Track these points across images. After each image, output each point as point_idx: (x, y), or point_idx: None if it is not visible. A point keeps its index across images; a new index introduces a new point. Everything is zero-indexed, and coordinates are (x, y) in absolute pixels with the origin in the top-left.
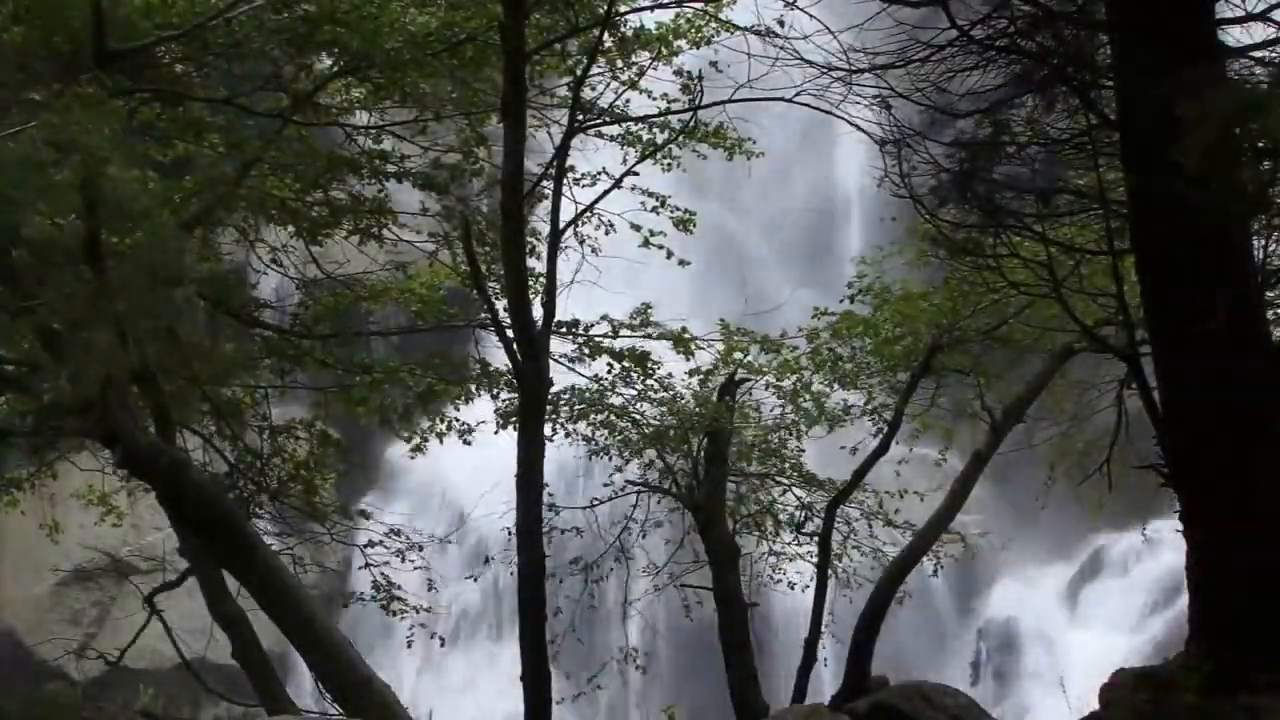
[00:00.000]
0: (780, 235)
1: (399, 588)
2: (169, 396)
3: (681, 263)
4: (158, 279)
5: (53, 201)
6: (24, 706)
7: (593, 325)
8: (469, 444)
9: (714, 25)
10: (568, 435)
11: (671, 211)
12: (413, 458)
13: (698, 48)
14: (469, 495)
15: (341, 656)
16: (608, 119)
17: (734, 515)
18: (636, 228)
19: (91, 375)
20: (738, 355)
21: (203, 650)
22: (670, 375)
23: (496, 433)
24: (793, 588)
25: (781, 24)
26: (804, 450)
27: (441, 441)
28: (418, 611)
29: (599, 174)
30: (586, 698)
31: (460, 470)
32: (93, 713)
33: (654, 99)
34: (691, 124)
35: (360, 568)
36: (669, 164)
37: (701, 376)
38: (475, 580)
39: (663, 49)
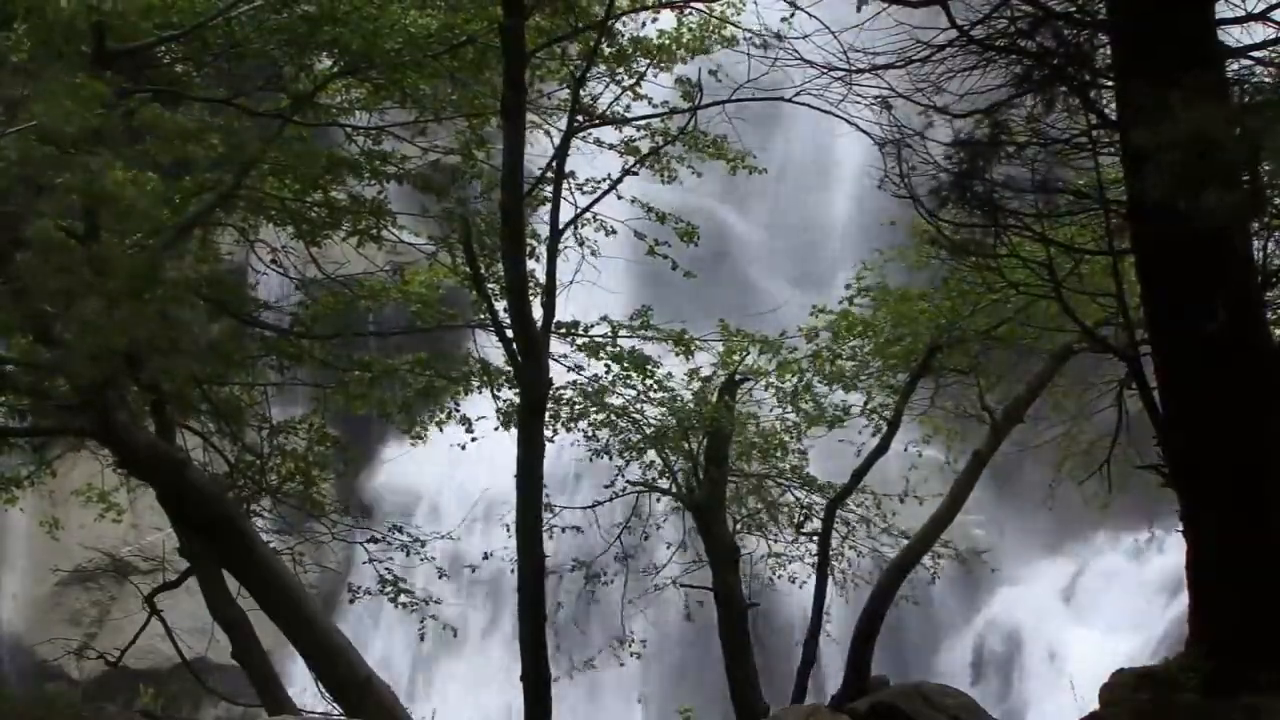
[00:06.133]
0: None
1: (405, 580)
2: (168, 395)
3: (687, 274)
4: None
5: (52, 201)
6: (24, 707)
7: (592, 326)
8: (473, 435)
9: (715, 29)
10: (568, 430)
11: (675, 223)
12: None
13: (692, 58)
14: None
15: (341, 656)
16: (607, 120)
17: (734, 515)
18: (641, 236)
19: (84, 351)
20: (736, 357)
21: (203, 650)
22: (670, 375)
23: (496, 429)
24: (794, 581)
25: (783, 29)
26: (805, 451)
27: (442, 430)
28: (426, 604)
29: (601, 180)
30: (586, 699)
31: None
32: (93, 713)
33: (654, 105)
34: (691, 126)
35: (364, 562)
36: (667, 177)
37: (701, 381)
38: (475, 571)
39: (663, 55)
